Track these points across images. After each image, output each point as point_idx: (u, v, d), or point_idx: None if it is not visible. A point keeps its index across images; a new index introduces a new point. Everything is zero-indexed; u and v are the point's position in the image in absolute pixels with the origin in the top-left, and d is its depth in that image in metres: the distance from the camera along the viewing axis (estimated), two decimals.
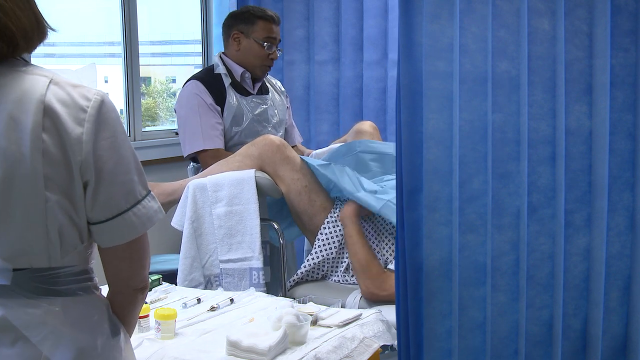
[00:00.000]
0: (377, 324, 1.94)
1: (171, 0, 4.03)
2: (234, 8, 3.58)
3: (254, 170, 2.54)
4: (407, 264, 1.82)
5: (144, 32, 3.44)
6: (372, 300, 2.36)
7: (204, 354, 1.69)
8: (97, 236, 1.19)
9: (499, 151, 1.76)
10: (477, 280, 1.81)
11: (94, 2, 3.52)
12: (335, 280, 2.57)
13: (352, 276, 2.54)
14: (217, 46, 3.78)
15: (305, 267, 2.57)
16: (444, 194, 1.79)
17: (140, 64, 3.42)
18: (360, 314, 1.95)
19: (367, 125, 3.09)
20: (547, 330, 1.80)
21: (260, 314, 1.94)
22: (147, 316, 1.84)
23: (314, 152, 3.24)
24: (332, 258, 2.57)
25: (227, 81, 2.87)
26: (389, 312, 2.05)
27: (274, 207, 2.77)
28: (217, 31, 3.78)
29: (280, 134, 3.07)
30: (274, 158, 2.58)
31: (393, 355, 2.09)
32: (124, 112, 3.44)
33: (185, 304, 2.04)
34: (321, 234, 2.57)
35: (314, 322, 1.86)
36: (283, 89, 3.17)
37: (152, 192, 1.23)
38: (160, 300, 2.10)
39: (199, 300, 2.08)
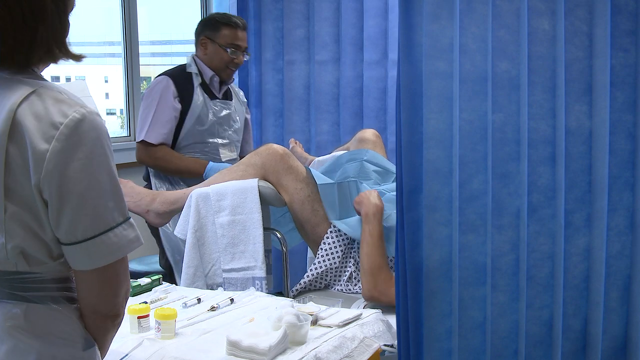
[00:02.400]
0: (377, 323, 1.94)
1: (171, 0, 4.03)
2: (234, 8, 3.59)
3: (257, 179, 2.55)
4: (407, 264, 1.82)
5: (144, 32, 3.45)
6: (371, 301, 2.36)
7: (204, 354, 1.69)
8: (66, 256, 1.14)
9: (499, 151, 1.76)
10: (477, 280, 1.81)
11: (94, 2, 3.52)
12: (338, 289, 2.58)
13: (355, 285, 2.55)
14: None
15: (308, 276, 2.57)
16: (444, 194, 1.79)
17: (140, 63, 3.43)
18: (361, 314, 1.95)
19: (370, 133, 3.11)
20: (547, 330, 1.80)
21: (261, 314, 1.94)
22: (147, 316, 1.84)
23: (317, 159, 3.25)
24: (335, 268, 2.57)
25: (197, 81, 2.94)
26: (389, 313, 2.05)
27: (275, 212, 2.78)
28: None
29: (238, 139, 3.13)
30: (277, 167, 2.58)
31: (393, 355, 2.09)
32: (124, 112, 3.44)
33: (185, 304, 2.04)
34: (324, 243, 2.57)
35: (314, 322, 1.86)
36: (245, 100, 3.25)
37: (131, 219, 1.17)
38: (160, 300, 2.10)
39: (199, 300, 2.08)
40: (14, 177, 1.09)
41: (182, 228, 2.55)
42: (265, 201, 2.56)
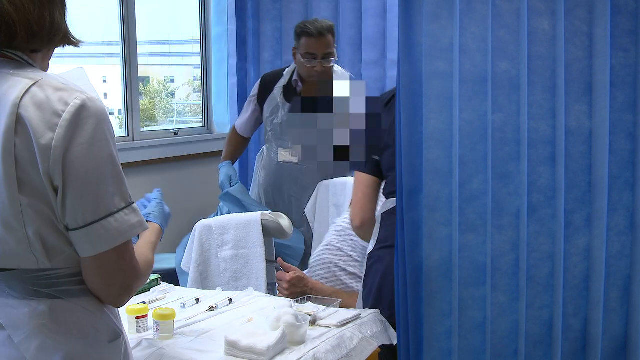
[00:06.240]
0: (376, 323, 1.94)
1: (170, 0, 4.03)
2: (232, 8, 3.60)
3: (260, 213, 2.56)
4: (407, 264, 1.81)
5: (142, 32, 3.44)
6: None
7: (203, 354, 1.68)
8: (73, 244, 1.15)
9: (499, 151, 1.76)
10: (477, 280, 1.80)
11: (93, 2, 3.52)
12: None
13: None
14: (216, 46, 3.78)
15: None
16: (444, 194, 1.79)
17: (138, 63, 3.42)
18: (359, 314, 1.95)
19: None
20: (547, 330, 1.80)
21: (259, 314, 1.94)
22: (145, 316, 1.84)
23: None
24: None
25: (282, 81, 3.14)
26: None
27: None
28: (215, 31, 3.78)
29: None
30: None
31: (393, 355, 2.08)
32: (123, 112, 3.43)
33: (183, 304, 2.03)
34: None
35: (313, 322, 1.85)
36: None
37: (134, 205, 1.17)
38: (159, 300, 2.10)
39: (197, 300, 2.08)
40: (23, 170, 1.10)
41: (187, 261, 2.57)
42: (268, 234, 2.56)
